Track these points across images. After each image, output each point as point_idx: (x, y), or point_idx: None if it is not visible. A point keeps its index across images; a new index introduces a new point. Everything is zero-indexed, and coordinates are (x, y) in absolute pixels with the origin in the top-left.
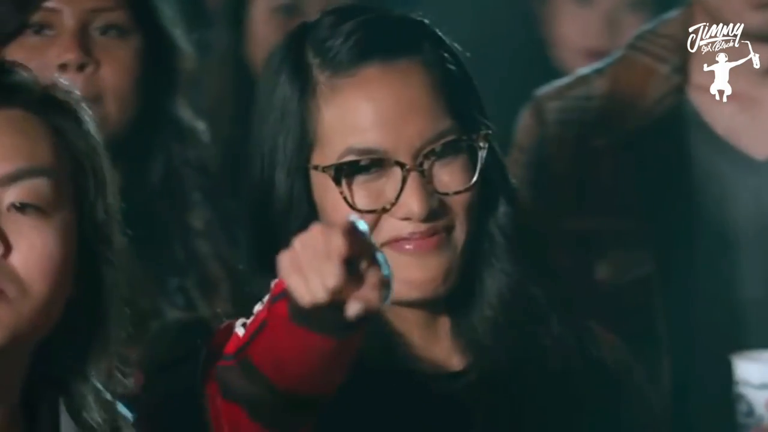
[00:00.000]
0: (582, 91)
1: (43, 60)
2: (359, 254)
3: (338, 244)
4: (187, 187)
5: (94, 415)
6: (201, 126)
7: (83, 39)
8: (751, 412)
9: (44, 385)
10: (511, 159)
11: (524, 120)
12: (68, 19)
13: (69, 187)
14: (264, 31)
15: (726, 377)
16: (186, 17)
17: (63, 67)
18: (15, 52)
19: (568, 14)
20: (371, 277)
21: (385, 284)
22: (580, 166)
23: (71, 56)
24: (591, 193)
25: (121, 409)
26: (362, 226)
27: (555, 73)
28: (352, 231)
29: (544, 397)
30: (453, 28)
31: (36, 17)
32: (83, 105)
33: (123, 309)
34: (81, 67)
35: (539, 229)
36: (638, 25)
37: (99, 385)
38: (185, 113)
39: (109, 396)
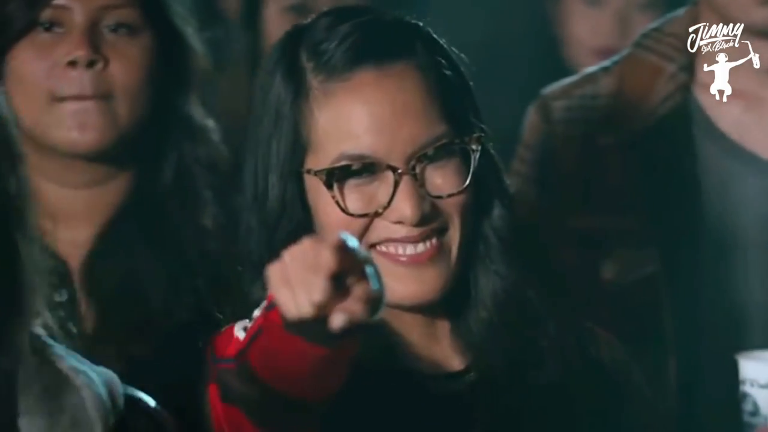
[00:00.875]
0: (588, 89)
1: (53, 57)
2: (348, 270)
3: (327, 259)
4: (199, 185)
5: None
6: (212, 124)
7: (93, 36)
8: (756, 411)
9: None
10: (518, 157)
11: (530, 118)
12: (78, 17)
13: None
14: (277, 31)
15: (731, 376)
16: (198, 16)
17: (72, 64)
18: (25, 50)
19: (579, 14)
20: (356, 290)
21: (374, 298)
22: (586, 164)
23: (80, 53)
24: (597, 192)
25: (99, 386)
26: (352, 242)
27: (568, 72)
28: (342, 247)
29: (544, 397)
30: (466, 28)
31: (46, 14)
32: None
33: (37, 282)
34: (90, 64)
35: (543, 227)
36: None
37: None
38: (196, 111)
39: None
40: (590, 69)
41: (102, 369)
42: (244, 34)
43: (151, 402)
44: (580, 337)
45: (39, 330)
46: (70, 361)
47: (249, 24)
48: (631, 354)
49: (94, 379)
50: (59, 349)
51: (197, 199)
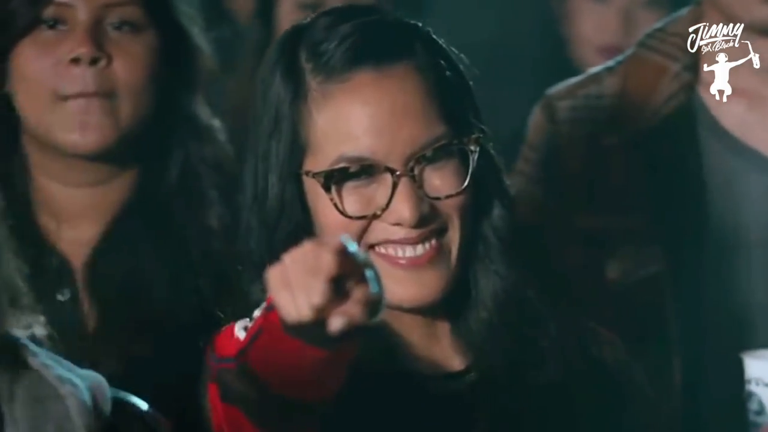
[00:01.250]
0: (593, 89)
1: (56, 55)
2: (348, 273)
3: (327, 262)
4: (204, 185)
5: None
6: (218, 124)
7: (96, 33)
8: (761, 410)
9: None
10: (522, 156)
11: (535, 117)
12: (82, 14)
13: None
14: None
15: (736, 375)
16: (205, 15)
17: (75, 61)
18: (28, 47)
19: (585, 11)
20: (356, 293)
21: (373, 301)
22: (591, 164)
23: (84, 50)
24: (601, 191)
25: (84, 393)
26: (352, 246)
27: (573, 72)
28: (342, 251)
29: (544, 397)
30: (472, 28)
31: (49, 12)
32: None
33: (5, 298)
34: (93, 61)
35: (547, 227)
36: (654, 22)
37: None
38: (202, 111)
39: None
40: (594, 69)
41: (88, 373)
42: (258, 30)
43: (144, 405)
44: (582, 337)
45: (24, 337)
46: (55, 369)
47: (263, 20)
48: (634, 353)
49: (79, 385)
50: (44, 357)
51: (203, 198)
